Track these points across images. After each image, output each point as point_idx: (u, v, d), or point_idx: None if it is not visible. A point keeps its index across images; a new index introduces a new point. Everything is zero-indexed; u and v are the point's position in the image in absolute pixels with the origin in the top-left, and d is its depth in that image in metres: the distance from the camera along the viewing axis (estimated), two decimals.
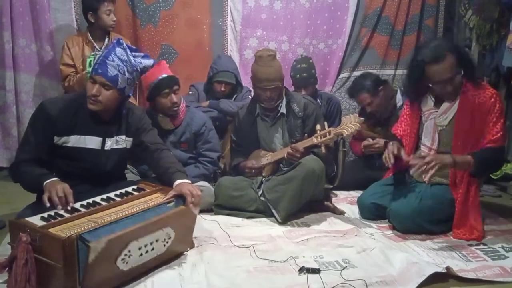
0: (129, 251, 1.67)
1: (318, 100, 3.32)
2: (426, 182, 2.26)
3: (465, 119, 2.29)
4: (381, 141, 2.80)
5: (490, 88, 2.32)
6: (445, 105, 2.36)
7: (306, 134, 2.60)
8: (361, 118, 2.43)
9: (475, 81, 2.30)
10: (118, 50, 2.00)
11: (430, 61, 2.23)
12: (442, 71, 2.23)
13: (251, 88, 3.49)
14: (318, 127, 2.53)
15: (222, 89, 3.31)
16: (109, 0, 3.11)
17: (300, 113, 2.70)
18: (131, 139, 2.17)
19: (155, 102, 2.75)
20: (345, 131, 2.38)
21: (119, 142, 2.13)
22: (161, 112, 2.76)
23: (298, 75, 3.28)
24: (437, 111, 2.39)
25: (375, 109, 3.06)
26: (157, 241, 1.80)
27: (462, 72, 2.26)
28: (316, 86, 3.45)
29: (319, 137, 2.48)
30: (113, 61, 1.97)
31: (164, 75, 2.70)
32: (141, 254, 1.74)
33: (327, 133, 2.46)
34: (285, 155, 2.56)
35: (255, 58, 2.70)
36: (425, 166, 2.11)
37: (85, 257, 1.52)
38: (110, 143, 2.10)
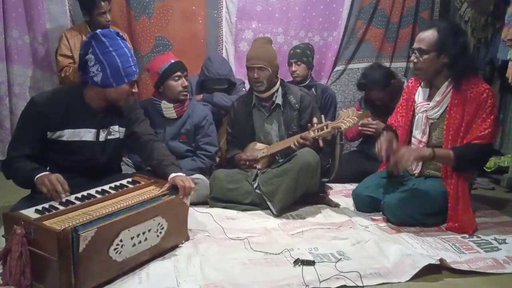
0: (121, 241, 1.68)
1: (312, 90, 3.32)
2: (415, 174, 2.44)
3: (456, 113, 2.28)
4: (381, 124, 2.77)
5: (484, 83, 2.29)
6: (437, 98, 2.35)
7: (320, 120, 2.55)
8: (359, 112, 2.43)
9: (466, 75, 2.26)
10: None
11: (423, 28, 2.40)
12: (418, 39, 2.31)
13: (244, 80, 3.49)
14: (315, 120, 2.52)
15: (215, 91, 3.30)
16: (104, 0, 3.06)
17: (296, 105, 2.69)
18: (123, 129, 2.17)
19: (164, 87, 2.75)
20: (342, 125, 2.38)
21: (113, 132, 2.12)
22: (168, 98, 2.76)
23: (292, 51, 3.38)
24: (429, 104, 2.39)
25: (384, 103, 3.00)
26: (149, 231, 1.80)
27: (447, 61, 2.25)
28: (311, 73, 3.46)
29: (316, 130, 2.48)
30: None
31: (174, 60, 2.76)
32: (134, 245, 1.74)
33: (324, 127, 2.45)
34: (292, 145, 2.53)
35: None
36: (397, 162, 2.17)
37: (77, 247, 1.52)
38: (104, 134, 2.09)
